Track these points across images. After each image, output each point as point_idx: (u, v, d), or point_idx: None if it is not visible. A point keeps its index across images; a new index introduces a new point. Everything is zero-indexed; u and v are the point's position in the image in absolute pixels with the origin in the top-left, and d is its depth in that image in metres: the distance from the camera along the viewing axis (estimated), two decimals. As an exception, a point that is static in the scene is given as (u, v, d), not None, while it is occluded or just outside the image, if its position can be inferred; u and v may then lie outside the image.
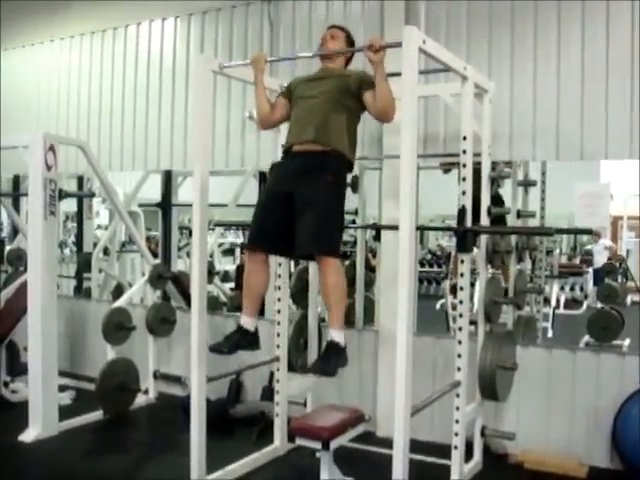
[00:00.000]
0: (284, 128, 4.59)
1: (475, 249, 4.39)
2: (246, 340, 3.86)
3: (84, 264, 7.60)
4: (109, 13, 7.02)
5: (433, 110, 5.24)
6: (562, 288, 7.17)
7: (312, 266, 4.89)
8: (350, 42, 4.03)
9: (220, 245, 8.44)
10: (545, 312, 5.97)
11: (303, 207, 3.56)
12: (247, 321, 3.86)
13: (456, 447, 4.14)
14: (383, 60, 3.49)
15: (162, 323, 6.08)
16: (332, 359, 3.56)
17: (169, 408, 5.88)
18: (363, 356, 5.46)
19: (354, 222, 6.00)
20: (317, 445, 3.73)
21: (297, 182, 3.60)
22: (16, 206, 7.58)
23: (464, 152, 4.16)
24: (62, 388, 5.72)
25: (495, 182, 4.86)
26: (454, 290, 4.90)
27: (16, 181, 7.83)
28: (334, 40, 3.94)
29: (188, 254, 7.34)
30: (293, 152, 3.75)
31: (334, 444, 3.73)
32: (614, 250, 6.65)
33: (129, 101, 6.99)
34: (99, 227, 8.30)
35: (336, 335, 3.56)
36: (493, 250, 4.37)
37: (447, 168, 5.61)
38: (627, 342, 5.38)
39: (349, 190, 5.68)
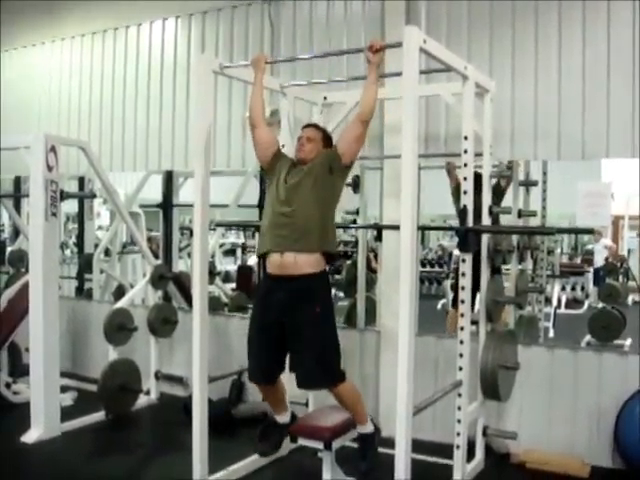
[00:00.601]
0: (284, 131, 4.63)
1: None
2: (287, 430, 3.97)
3: (85, 265, 7.60)
4: (109, 13, 7.02)
5: (434, 110, 5.24)
6: (563, 288, 7.17)
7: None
8: (327, 139, 3.91)
9: (221, 245, 8.43)
10: (546, 312, 5.96)
11: (296, 338, 3.62)
12: (281, 417, 3.99)
13: (458, 447, 4.14)
14: (380, 62, 3.52)
15: (164, 324, 6.08)
16: (369, 453, 3.76)
17: (171, 408, 5.88)
18: (365, 356, 5.46)
19: (355, 222, 6.00)
20: (319, 445, 3.73)
21: (285, 311, 3.61)
22: (17, 207, 7.58)
23: (465, 152, 4.16)
24: (64, 389, 5.71)
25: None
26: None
27: (17, 182, 7.83)
28: (310, 142, 3.82)
29: (189, 254, 7.34)
30: (273, 277, 3.68)
31: (336, 444, 3.73)
32: (613, 250, 6.64)
33: (130, 101, 7.00)
34: (100, 228, 8.29)
35: (364, 428, 3.78)
36: (495, 249, 4.37)
37: (450, 168, 5.60)
38: (629, 342, 5.37)
39: (350, 190, 5.71)
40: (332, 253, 3.73)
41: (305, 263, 3.59)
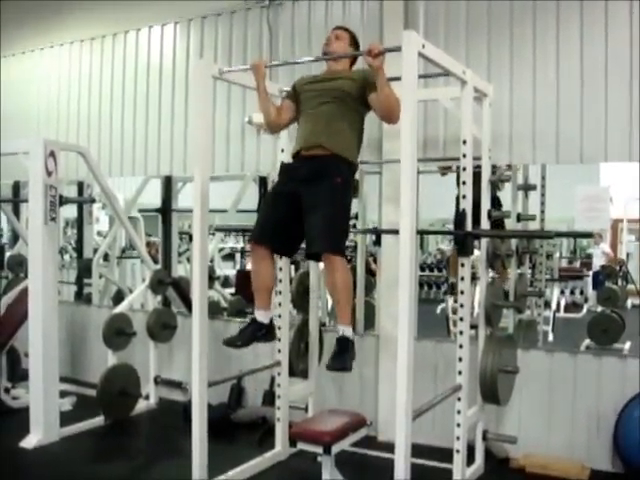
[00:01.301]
0: (283, 133, 4.64)
1: (476, 251, 4.39)
2: (261, 332, 3.93)
3: (84, 270, 7.59)
4: (108, 19, 7.02)
5: (433, 114, 5.24)
6: (562, 292, 7.16)
7: (312, 270, 4.90)
8: (355, 43, 4.06)
9: (220, 250, 8.41)
10: (546, 315, 5.96)
11: (311, 207, 3.63)
12: (260, 314, 3.92)
13: (458, 451, 4.14)
14: (383, 64, 3.51)
15: (163, 328, 6.08)
16: (346, 354, 3.65)
17: (170, 413, 5.88)
18: (364, 360, 5.45)
19: (354, 226, 5.99)
20: (319, 449, 3.73)
21: (306, 184, 3.67)
22: (16, 212, 7.57)
23: (464, 156, 4.17)
24: (63, 394, 5.71)
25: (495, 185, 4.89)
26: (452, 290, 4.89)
27: (16, 187, 7.82)
28: (338, 41, 3.98)
29: (188, 259, 7.34)
30: (301, 156, 3.81)
31: (335, 448, 3.74)
32: (611, 257, 6.64)
33: (129, 107, 7.01)
34: (99, 233, 8.29)
35: (346, 330, 3.67)
36: (493, 254, 4.37)
37: (444, 172, 5.62)
38: (628, 345, 5.36)
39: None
40: (355, 164, 3.82)
41: (331, 147, 3.69)
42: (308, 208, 3.65)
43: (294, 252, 4.08)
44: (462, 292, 4.18)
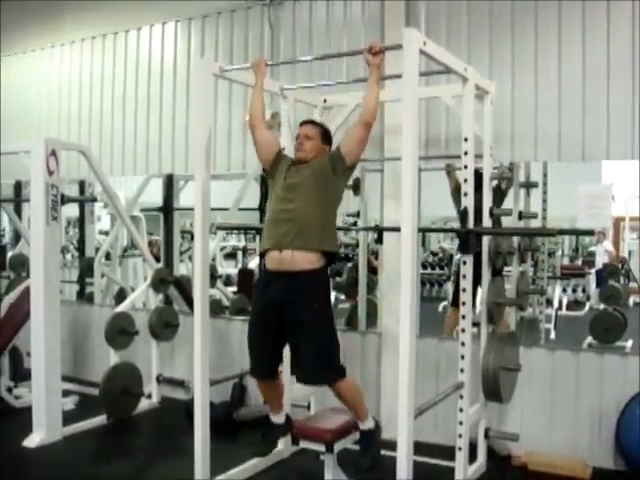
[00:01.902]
0: (284, 133, 4.63)
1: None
2: (281, 431, 4.04)
3: (86, 269, 7.60)
4: (109, 18, 7.03)
5: (434, 112, 5.24)
6: (564, 289, 7.15)
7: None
8: (326, 137, 3.91)
9: (222, 249, 8.40)
10: (548, 313, 5.95)
11: (296, 333, 3.63)
12: (276, 418, 4.00)
13: (460, 449, 4.14)
14: (380, 64, 3.52)
15: (165, 327, 6.08)
16: (372, 446, 3.77)
17: (172, 412, 5.88)
18: (366, 358, 5.46)
19: (356, 224, 5.99)
20: (321, 448, 3.74)
21: (282, 308, 3.62)
22: (18, 212, 7.57)
23: (465, 154, 4.16)
24: (65, 393, 5.72)
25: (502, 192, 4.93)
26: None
27: (18, 187, 7.83)
28: (309, 140, 3.81)
29: (190, 258, 7.33)
30: (272, 272, 3.69)
31: (338, 446, 3.74)
32: (613, 255, 6.63)
33: (130, 106, 7.01)
34: (101, 232, 8.29)
35: (365, 424, 3.78)
36: (495, 251, 4.37)
37: (449, 170, 5.60)
38: (630, 343, 5.35)
39: (351, 192, 5.70)
40: (332, 252, 3.72)
41: (303, 259, 3.59)
42: (292, 338, 3.68)
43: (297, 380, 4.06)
44: (464, 290, 4.18)
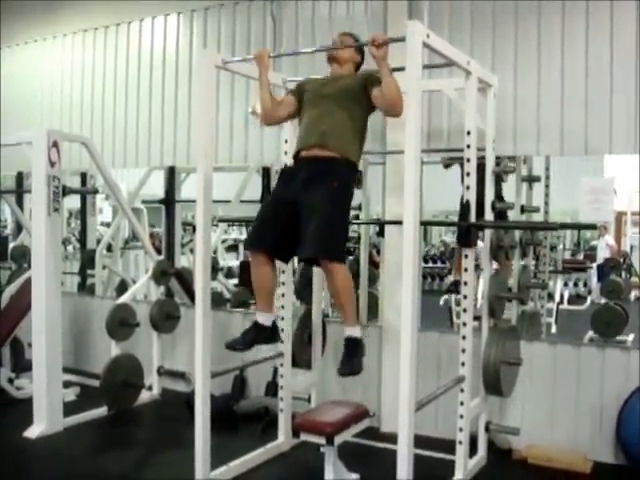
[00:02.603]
0: (287, 124, 4.62)
1: (480, 243, 4.38)
2: (263, 335, 3.86)
3: (88, 261, 7.59)
4: (111, 9, 7.02)
5: (437, 105, 5.23)
6: (566, 284, 7.16)
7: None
8: (361, 52, 4.00)
9: (224, 241, 8.41)
10: (549, 307, 5.96)
11: (308, 213, 3.57)
12: (262, 316, 3.85)
13: (460, 442, 4.15)
14: (386, 56, 3.49)
15: (166, 319, 6.09)
16: (356, 356, 3.64)
17: (173, 404, 5.89)
18: (367, 352, 5.41)
19: (358, 218, 5.99)
20: (321, 440, 3.74)
21: (302, 189, 3.63)
22: (20, 203, 7.57)
23: (468, 147, 4.16)
24: (66, 384, 5.73)
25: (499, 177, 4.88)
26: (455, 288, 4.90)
27: (19, 178, 7.83)
28: (344, 46, 3.93)
29: (191, 250, 7.34)
30: (300, 158, 3.77)
31: (338, 439, 3.74)
32: (614, 250, 6.64)
33: (132, 97, 7.00)
34: (102, 224, 8.29)
35: (353, 331, 3.65)
36: (497, 245, 4.36)
37: (448, 163, 5.60)
38: (631, 337, 5.36)
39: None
40: (356, 167, 3.79)
41: (332, 150, 3.66)
42: (305, 213, 3.59)
43: (292, 256, 4.02)
44: (465, 283, 4.18)
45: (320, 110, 3.77)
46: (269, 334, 3.88)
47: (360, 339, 3.67)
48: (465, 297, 4.19)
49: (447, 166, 5.61)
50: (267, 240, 3.74)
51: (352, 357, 3.63)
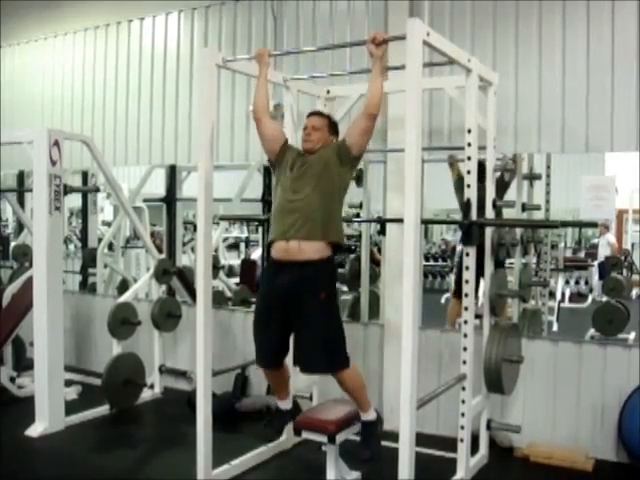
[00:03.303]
0: (288, 123, 4.62)
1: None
2: (288, 416, 4.13)
3: (89, 259, 7.59)
4: (112, 8, 7.02)
5: (437, 103, 5.23)
6: (567, 282, 7.16)
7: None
8: (333, 128, 3.94)
9: (225, 240, 8.43)
10: (550, 305, 5.96)
11: (302, 328, 3.66)
12: (283, 403, 4.11)
13: (462, 440, 4.15)
14: (383, 55, 3.50)
15: (167, 318, 6.09)
16: (370, 440, 3.79)
17: (175, 402, 5.89)
18: (369, 350, 5.47)
19: (358, 216, 5.99)
20: (323, 439, 3.74)
21: (289, 296, 3.64)
22: (21, 202, 7.59)
23: (469, 145, 4.15)
24: (68, 383, 5.74)
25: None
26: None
27: (21, 177, 7.84)
28: (316, 131, 3.83)
29: (193, 249, 7.35)
30: (278, 262, 3.71)
31: (340, 438, 3.74)
32: (615, 248, 6.65)
33: (133, 96, 7.00)
34: (104, 223, 8.29)
35: (368, 415, 3.80)
36: (498, 243, 4.36)
37: (453, 161, 5.59)
38: (632, 335, 5.36)
39: (354, 184, 5.69)
40: (338, 243, 3.74)
41: (309, 249, 3.62)
42: (299, 327, 3.68)
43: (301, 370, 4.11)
44: (467, 281, 4.18)
45: (295, 187, 3.71)
46: (293, 412, 4.15)
47: (375, 421, 3.82)
48: (466, 295, 4.19)
49: (452, 164, 5.60)
50: (273, 358, 3.89)
51: (369, 439, 3.79)
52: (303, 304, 3.60)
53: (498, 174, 4.86)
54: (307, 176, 3.71)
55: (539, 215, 5.48)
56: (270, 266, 3.85)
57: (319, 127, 3.84)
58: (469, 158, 4.16)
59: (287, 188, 3.74)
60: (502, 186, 5.09)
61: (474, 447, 4.40)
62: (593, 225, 5.54)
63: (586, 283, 7.33)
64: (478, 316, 4.42)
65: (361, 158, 3.84)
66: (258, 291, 4.04)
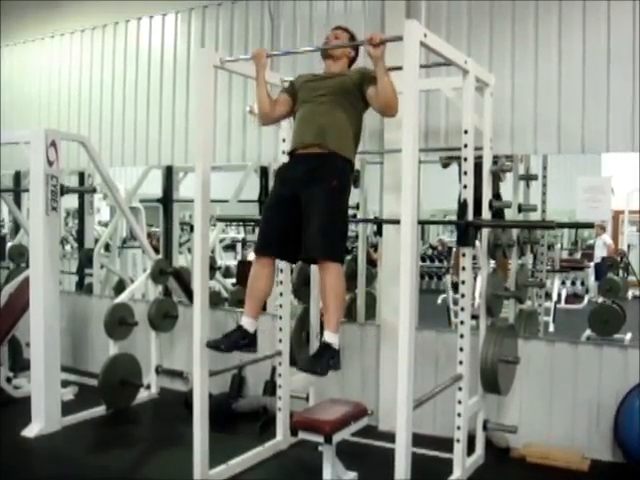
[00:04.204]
0: (285, 123, 4.63)
1: (477, 243, 4.39)
2: (244, 341, 3.79)
3: (86, 260, 7.60)
4: (109, 8, 7.01)
5: (434, 104, 5.23)
6: (563, 282, 7.17)
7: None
8: (355, 47, 4.01)
9: (221, 240, 8.42)
10: (546, 306, 5.96)
11: (309, 212, 3.59)
12: (247, 321, 3.80)
13: (458, 440, 4.15)
14: (383, 55, 3.50)
15: (164, 318, 6.09)
16: (323, 359, 3.53)
17: (171, 403, 5.90)
18: (365, 350, 5.47)
19: (355, 216, 5.99)
20: (319, 439, 3.73)
21: (302, 185, 3.63)
22: (18, 202, 7.57)
23: (465, 146, 4.16)
24: (65, 383, 5.73)
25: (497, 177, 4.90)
26: (456, 287, 4.91)
27: (17, 177, 7.83)
28: (337, 41, 3.94)
29: (189, 250, 7.34)
30: (297, 154, 3.77)
31: (336, 438, 3.73)
32: (611, 249, 6.66)
33: (130, 96, 7.00)
34: (100, 224, 8.29)
35: (331, 337, 3.55)
36: (494, 244, 4.37)
37: (446, 162, 5.60)
38: (628, 336, 5.38)
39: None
40: (352, 161, 3.76)
41: (327, 145, 3.66)
42: (307, 212, 3.61)
43: (298, 258, 3.95)
44: (463, 282, 4.18)
45: (315, 107, 3.77)
46: (249, 341, 3.82)
47: (335, 350, 3.56)
48: (463, 296, 4.19)
49: (445, 165, 5.61)
50: (274, 246, 3.76)
51: (319, 358, 3.54)
52: (315, 188, 3.57)
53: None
54: (329, 91, 3.75)
55: (535, 216, 5.49)
56: (287, 162, 3.92)
57: (340, 37, 3.96)
58: (465, 159, 4.16)
59: (309, 101, 3.80)
60: (496, 180, 5.09)
61: (470, 447, 4.40)
62: (589, 226, 5.56)
63: (582, 284, 7.34)
64: (475, 317, 4.43)
65: (367, 109, 3.85)
66: (274, 183, 3.96)
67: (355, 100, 3.76)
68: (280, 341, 4.78)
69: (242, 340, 3.78)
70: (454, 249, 7.07)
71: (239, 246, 9.04)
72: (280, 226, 3.72)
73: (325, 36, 4.06)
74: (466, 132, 4.16)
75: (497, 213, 4.66)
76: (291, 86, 4.02)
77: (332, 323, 3.56)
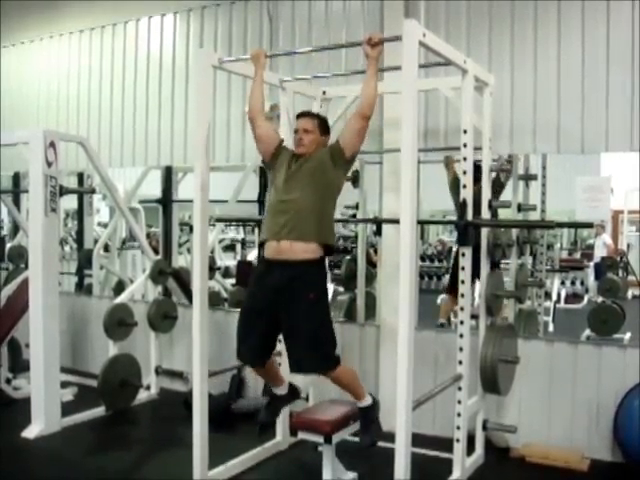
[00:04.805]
0: (283, 123, 4.62)
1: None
2: (285, 400, 4.11)
3: (85, 261, 7.60)
4: (108, 9, 7.02)
5: (433, 104, 5.24)
6: (563, 282, 7.17)
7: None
8: (325, 127, 3.88)
9: (221, 241, 8.42)
10: (546, 306, 5.96)
11: (291, 329, 3.64)
12: (278, 389, 4.05)
13: (458, 440, 4.15)
14: (379, 56, 3.51)
15: (163, 319, 6.09)
16: (371, 426, 3.80)
17: (171, 403, 5.89)
18: (365, 351, 5.47)
19: (355, 216, 5.99)
20: (319, 439, 3.75)
21: (278, 299, 3.61)
22: (17, 203, 7.57)
23: (464, 146, 4.16)
24: (64, 384, 5.73)
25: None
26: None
27: (16, 178, 7.83)
28: (307, 134, 3.78)
29: (189, 250, 7.34)
30: (269, 261, 3.68)
31: (336, 438, 3.75)
32: (611, 249, 6.66)
33: (129, 97, 7.00)
34: (99, 224, 8.29)
35: (364, 402, 3.81)
36: (494, 244, 4.37)
37: (448, 162, 5.59)
38: (628, 335, 5.37)
39: (350, 184, 5.70)
40: (330, 245, 3.71)
41: (301, 250, 3.59)
42: (288, 327, 3.65)
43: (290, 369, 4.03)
44: (462, 282, 4.18)
45: (289, 188, 3.68)
46: (289, 397, 4.11)
47: (372, 405, 3.83)
48: (462, 295, 4.19)
49: (447, 165, 5.61)
50: (257, 354, 3.81)
51: (369, 426, 3.79)
52: (292, 304, 3.57)
53: (494, 174, 4.87)
54: (300, 177, 3.68)
55: (535, 216, 5.49)
56: (261, 265, 3.82)
57: (311, 129, 3.79)
58: (465, 159, 4.16)
59: (280, 189, 3.72)
60: (498, 187, 5.10)
61: (470, 447, 4.41)
62: (589, 226, 5.55)
63: (582, 284, 7.33)
64: (474, 316, 4.43)
65: (354, 160, 3.80)
66: (247, 288, 3.97)
67: (331, 173, 3.70)
68: (279, 341, 4.76)
69: (283, 402, 4.12)
70: (454, 249, 7.07)
71: (238, 246, 9.04)
72: (259, 338, 3.75)
73: (294, 128, 3.88)
74: (465, 132, 4.16)
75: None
76: (279, 146, 3.88)
77: (359, 396, 3.82)
